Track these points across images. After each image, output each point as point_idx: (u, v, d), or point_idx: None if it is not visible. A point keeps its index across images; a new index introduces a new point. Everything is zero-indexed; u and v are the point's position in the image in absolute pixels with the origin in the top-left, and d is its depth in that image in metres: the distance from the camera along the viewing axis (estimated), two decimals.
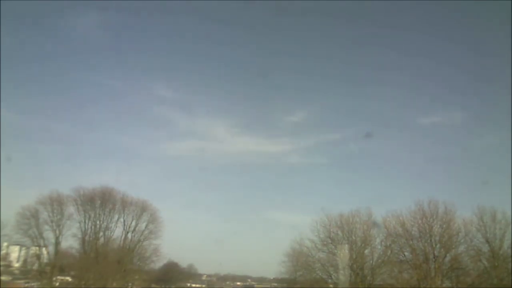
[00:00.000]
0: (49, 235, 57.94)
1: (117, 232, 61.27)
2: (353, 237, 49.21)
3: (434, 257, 45.00)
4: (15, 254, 79.39)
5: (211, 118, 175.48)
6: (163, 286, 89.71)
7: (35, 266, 62.05)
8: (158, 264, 69.23)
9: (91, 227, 59.81)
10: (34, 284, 62.43)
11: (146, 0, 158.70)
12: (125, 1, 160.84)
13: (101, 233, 60.34)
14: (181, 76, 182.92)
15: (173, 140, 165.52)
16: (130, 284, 62.34)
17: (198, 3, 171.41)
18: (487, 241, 44.31)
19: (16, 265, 78.69)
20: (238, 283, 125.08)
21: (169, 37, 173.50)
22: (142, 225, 61.61)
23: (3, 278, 62.28)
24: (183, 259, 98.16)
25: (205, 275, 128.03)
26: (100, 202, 60.69)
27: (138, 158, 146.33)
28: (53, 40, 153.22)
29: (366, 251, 49.22)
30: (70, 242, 59.60)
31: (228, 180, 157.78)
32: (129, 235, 61.23)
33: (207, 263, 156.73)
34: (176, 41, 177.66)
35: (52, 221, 57.94)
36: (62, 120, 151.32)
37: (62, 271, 62.97)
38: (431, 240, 45.37)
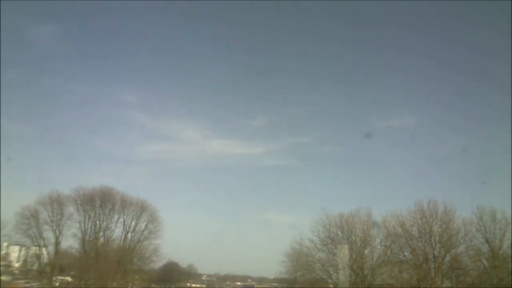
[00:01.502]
0: (49, 235, 58.14)
1: (117, 232, 61.47)
2: (353, 237, 49.24)
3: (434, 257, 45.04)
4: (15, 254, 79.31)
5: (182, 121, 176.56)
6: (163, 286, 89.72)
7: (35, 266, 62.09)
8: (158, 264, 69.36)
9: (91, 227, 59.89)
10: (34, 284, 62.47)
11: (112, 1, 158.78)
12: (90, 7, 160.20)
13: (101, 233, 60.43)
14: (148, 79, 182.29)
15: (145, 142, 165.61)
16: (130, 284, 62.33)
17: (161, 3, 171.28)
18: (487, 241, 44.32)
19: (16, 265, 78.60)
20: (238, 283, 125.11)
21: (132, 41, 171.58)
22: (142, 225, 61.82)
23: (3, 278, 62.28)
24: (183, 259, 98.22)
25: (205, 275, 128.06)
26: (100, 202, 60.74)
27: (119, 160, 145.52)
28: (18, 48, 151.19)
29: (366, 251, 49.26)
30: (70, 242, 59.80)
31: (216, 181, 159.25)
32: (129, 235, 61.36)
33: (207, 263, 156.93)
34: (140, 44, 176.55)
35: (52, 221, 58.07)
36: (37, 124, 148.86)
37: (62, 271, 63.02)
38: (431, 240, 45.42)
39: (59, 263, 60.27)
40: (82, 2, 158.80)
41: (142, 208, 62.03)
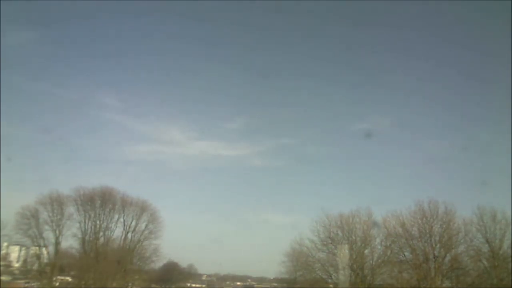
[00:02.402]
0: (49, 235, 58.15)
1: (117, 232, 61.49)
2: (353, 237, 49.25)
3: (434, 257, 45.04)
4: (15, 254, 79.36)
5: (166, 123, 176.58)
6: (163, 286, 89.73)
7: (35, 266, 62.08)
8: (158, 264, 69.40)
9: (91, 227, 59.90)
10: (34, 284, 62.46)
11: (93, 1, 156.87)
12: (67, 11, 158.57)
13: (101, 233, 60.45)
14: (127, 82, 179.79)
15: (129, 144, 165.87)
16: (130, 284, 62.33)
17: (142, 3, 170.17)
18: (487, 241, 44.33)
19: (16, 265, 78.64)
20: (238, 283, 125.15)
21: (113, 43, 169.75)
22: (142, 225, 61.83)
23: (3, 278, 62.28)
24: (183, 259, 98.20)
25: (205, 275, 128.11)
26: (100, 202, 60.76)
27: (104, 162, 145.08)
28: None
29: (366, 251, 49.27)
30: (70, 242, 59.81)
31: (208, 181, 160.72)
32: (129, 235, 61.38)
33: (207, 263, 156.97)
34: (116, 47, 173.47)
35: (52, 221, 58.09)
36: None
37: (62, 271, 63.02)
38: (431, 240, 45.42)
39: (59, 263, 60.26)
40: (60, 6, 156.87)
41: (142, 208, 62.08)
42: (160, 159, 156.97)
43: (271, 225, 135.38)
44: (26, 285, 65.37)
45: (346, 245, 45.80)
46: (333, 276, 48.24)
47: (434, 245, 45.21)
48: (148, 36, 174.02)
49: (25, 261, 73.59)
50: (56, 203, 58.56)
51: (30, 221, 56.69)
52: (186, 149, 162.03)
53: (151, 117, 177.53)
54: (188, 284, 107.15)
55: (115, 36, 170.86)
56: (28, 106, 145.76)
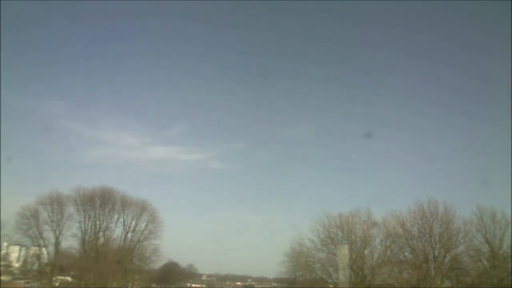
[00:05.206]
0: (49, 235, 58.21)
1: (117, 232, 61.48)
2: (353, 237, 49.17)
3: (434, 257, 45.02)
4: (15, 254, 79.37)
5: (119, 130, 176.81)
6: (163, 286, 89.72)
7: (35, 266, 62.14)
8: (158, 264, 69.39)
9: (91, 227, 59.91)
10: (34, 284, 62.45)
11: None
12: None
13: (101, 233, 60.44)
14: (76, 86, 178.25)
15: (86, 149, 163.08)
16: (130, 284, 62.33)
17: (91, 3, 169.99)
18: (487, 241, 44.31)
19: (16, 265, 78.62)
20: (238, 283, 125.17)
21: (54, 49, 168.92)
22: (142, 225, 61.79)
23: (3, 278, 62.26)
24: (183, 259, 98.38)
25: (205, 275, 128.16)
26: (100, 202, 60.76)
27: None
28: None
29: (366, 251, 49.16)
30: (70, 242, 59.83)
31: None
32: (129, 235, 61.35)
33: (207, 263, 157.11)
34: (62, 54, 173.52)
35: (52, 221, 58.13)
36: None
37: (62, 271, 63.03)
38: (431, 240, 45.39)
39: (59, 263, 60.28)
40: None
41: (142, 208, 62.04)
42: (128, 163, 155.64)
43: (271, 225, 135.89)
44: (26, 285, 65.32)
45: (346, 245, 45.81)
46: (333, 276, 48.23)
47: (434, 245, 45.18)
48: (95, 40, 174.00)
49: (25, 261, 73.63)
50: (56, 203, 58.62)
51: (30, 221, 56.74)
52: (144, 154, 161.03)
53: (102, 122, 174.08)
54: (188, 284, 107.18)
55: (62, 41, 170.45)
56: None
